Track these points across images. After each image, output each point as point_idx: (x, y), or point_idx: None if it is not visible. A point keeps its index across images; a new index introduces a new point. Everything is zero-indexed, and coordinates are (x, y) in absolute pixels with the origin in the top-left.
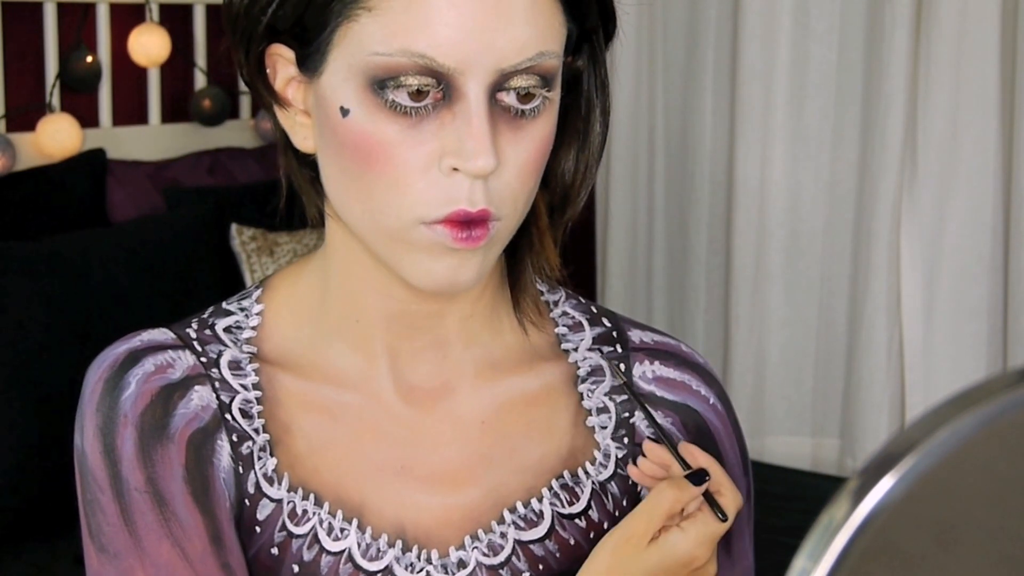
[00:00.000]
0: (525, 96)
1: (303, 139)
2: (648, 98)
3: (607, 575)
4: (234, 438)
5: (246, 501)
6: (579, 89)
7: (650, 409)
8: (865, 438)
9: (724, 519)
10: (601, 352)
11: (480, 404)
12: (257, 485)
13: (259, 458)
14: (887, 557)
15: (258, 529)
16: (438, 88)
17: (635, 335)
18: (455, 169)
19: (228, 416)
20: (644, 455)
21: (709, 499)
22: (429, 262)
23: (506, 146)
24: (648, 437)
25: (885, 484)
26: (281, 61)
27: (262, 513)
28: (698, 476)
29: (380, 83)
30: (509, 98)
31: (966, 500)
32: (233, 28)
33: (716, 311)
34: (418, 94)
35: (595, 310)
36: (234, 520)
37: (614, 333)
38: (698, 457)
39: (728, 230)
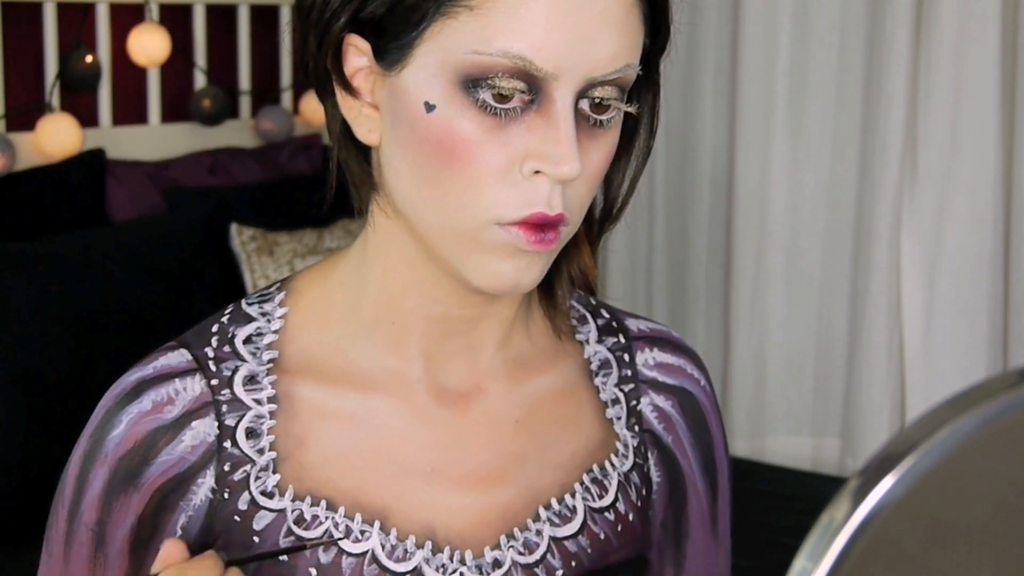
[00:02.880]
0: (600, 106)
1: (367, 131)
2: None
3: None
4: (226, 468)
5: (235, 518)
6: (629, 101)
7: (653, 395)
8: (865, 438)
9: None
10: (606, 345)
11: (513, 403)
12: (251, 502)
13: (257, 479)
14: (887, 557)
15: (257, 539)
16: (526, 92)
17: (632, 324)
18: (537, 172)
19: (227, 443)
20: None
21: None
22: (497, 262)
23: (582, 154)
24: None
25: (885, 484)
26: (353, 51)
27: (259, 523)
28: None
29: (473, 81)
30: (586, 106)
31: (966, 500)
32: (307, 15)
33: (716, 311)
34: (502, 96)
35: (593, 302)
36: (214, 545)
37: (614, 323)
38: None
39: (728, 230)
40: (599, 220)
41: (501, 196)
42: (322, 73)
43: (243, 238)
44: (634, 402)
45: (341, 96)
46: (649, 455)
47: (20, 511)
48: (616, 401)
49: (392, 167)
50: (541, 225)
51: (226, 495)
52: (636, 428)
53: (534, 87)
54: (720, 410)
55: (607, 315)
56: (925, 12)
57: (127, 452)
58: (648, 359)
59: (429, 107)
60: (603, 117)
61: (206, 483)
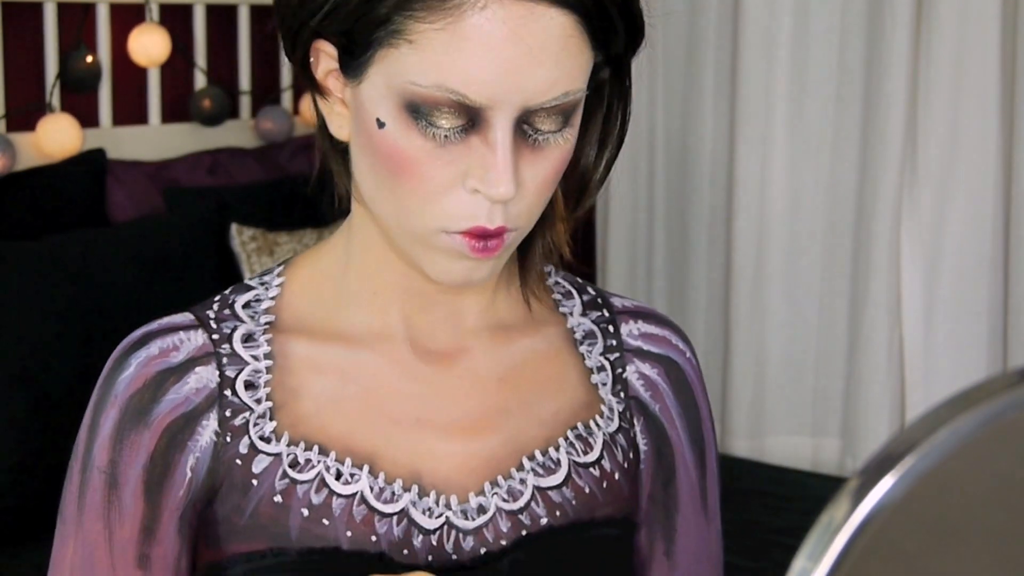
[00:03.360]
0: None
1: (339, 127)
2: (648, 98)
3: None
4: (227, 413)
5: (237, 461)
6: (602, 93)
7: (638, 363)
8: (865, 438)
9: None
10: (591, 318)
11: (496, 362)
12: (251, 446)
13: (256, 424)
14: (887, 557)
15: (255, 482)
16: (464, 118)
17: (616, 301)
18: (477, 191)
19: (228, 392)
20: None
21: None
22: (447, 263)
23: (526, 168)
24: None
25: (885, 484)
26: (324, 55)
27: (258, 466)
28: None
29: (415, 108)
30: (529, 127)
31: (966, 500)
32: (282, 20)
33: (716, 311)
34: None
35: (579, 281)
36: (218, 488)
37: (599, 300)
38: None
39: (728, 230)
40: (574, 199)
41: (447, 209)
42: (301, 72)
43: (243, 238)
44: (620, 370)
45: (315, 94)
46: (635, 421)
47: (20, 511)
48: (601, 368)
49: (357, 165)
50: (484, 236)
51: (228, 439)
52: (622, 395)
53: (472, 113)
54: (705, 386)
55: (592, 292)
56: (925, 12)
57: (137, 391)
58: (632, 330)
59: (380, 124)
60: (548, 135)
61: (210, 425)
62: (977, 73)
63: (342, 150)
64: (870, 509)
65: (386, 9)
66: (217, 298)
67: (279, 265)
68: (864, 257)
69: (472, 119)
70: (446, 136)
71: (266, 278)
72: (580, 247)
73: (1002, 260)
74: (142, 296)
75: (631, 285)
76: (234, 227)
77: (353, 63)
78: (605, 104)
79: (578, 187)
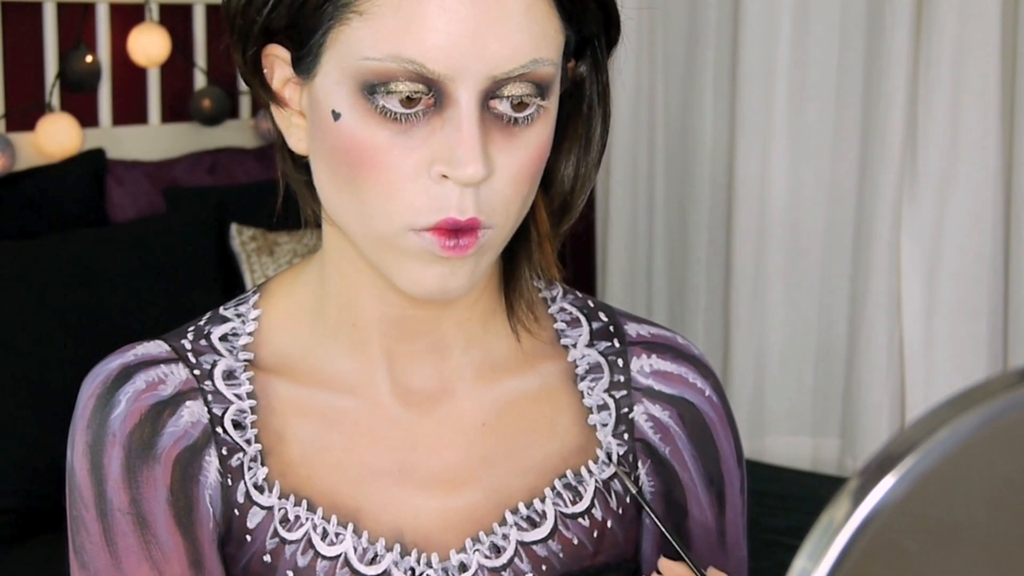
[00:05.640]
0: (518, 104)
1: (297, 140)
2: (648, 98)
3: None
4: (224, 451)
5: (235, 511)
6: (580, 95)
7: (648, 404)
8: (865, 438)
9: None
10: (599, 349)
11: (480, 406)
12: (247, 495)
13: (249, 468)
14: (887, 557)
15: (249, 538)
16: (429, 95)
17: (632, 328)
18: (445, 176)
19: (219, 429)
20: (659, 572)
21: None
22: (419, 269)
23: (498, 153)
24: (665, 555)
25: (885, 484)
26: (278, 62)
27: (252, 521)
28: None
29: (371, 88)
30: (502, 106)
31: (966, 500)
32: (231, 27)
33: (716, 311)
34: (408, 101)
35: (592, 304)
36: (223, 532)
37: (611, 327)
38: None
39: (728, 230)
40: (556, 216)
41: (413, 201)
42: (254, 84)
43: (243, 238)
44: (625, 409)
45: (273, 106)
46: (640, 464)
47: (20, 511)
48: (603, 407)
49: (317, 176)
50: (454, 231)
51: (230, 481)
52: (626, 436)
53: (435, 89)
54: (732, 417)
55: (605, 318)
56: (925, 12)
57: (135, 426)
58: (644, 366)
59: (336, 115)
60: (520, 115)
61: (213, 463)
62: (977, 73)
63: (304, 166)
64: (870, 509)
65: None
66: (191, 327)
67: (254, 293)
68: (864, 257)
69: (435, 97)
70: (407, 118)
71: (242, 308)
72: (579, 248)
73: (1002, 260)
74: (142, 296)
75: (631, 285)
76: (234, 227)
77: (305, 56)
78: (585, 102)
79: (561, 200)
